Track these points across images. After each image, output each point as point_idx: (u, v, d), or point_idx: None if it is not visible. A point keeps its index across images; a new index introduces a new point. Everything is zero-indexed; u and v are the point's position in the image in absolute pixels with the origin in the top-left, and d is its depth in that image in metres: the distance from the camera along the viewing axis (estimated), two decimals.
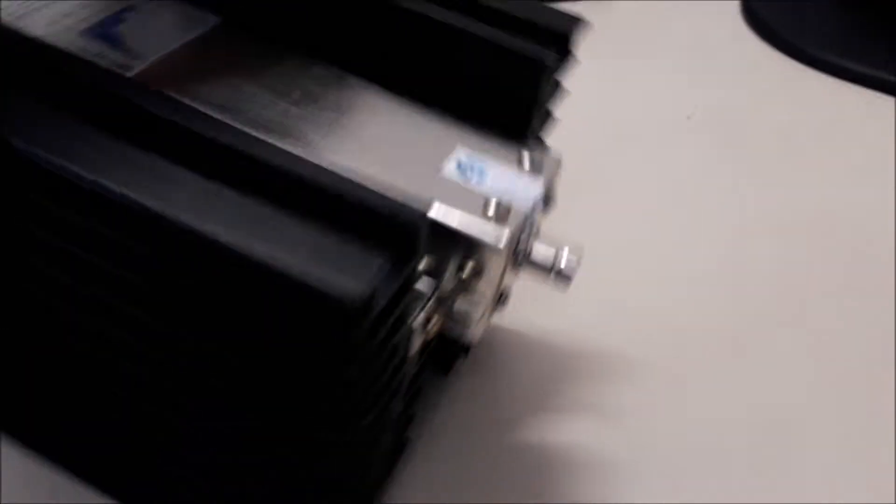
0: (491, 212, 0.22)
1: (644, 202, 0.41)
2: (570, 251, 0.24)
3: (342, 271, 0.17)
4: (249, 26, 0.26)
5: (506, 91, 0.24)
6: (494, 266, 0.22)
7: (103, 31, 0.24)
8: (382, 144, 0.23)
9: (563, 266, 0.24)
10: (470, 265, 0.22)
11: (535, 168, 0.23)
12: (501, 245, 0.21)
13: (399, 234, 0.18)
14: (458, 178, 0.22)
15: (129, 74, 0.23)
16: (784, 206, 0.42)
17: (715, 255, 0.39)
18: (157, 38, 0.24)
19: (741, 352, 0.34)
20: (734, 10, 0.59)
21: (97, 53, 0.23)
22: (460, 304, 0.23)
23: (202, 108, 0.20)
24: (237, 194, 0.18)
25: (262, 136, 0.19)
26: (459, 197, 0.22)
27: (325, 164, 0.19)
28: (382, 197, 0.18)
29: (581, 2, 0.50)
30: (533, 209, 0.22)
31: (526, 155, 0.24)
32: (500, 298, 0.25)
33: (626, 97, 0.48)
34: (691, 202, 0.41)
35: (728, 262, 0.38)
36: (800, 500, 0.29)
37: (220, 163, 0.19)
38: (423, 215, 0.18)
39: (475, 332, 0.24)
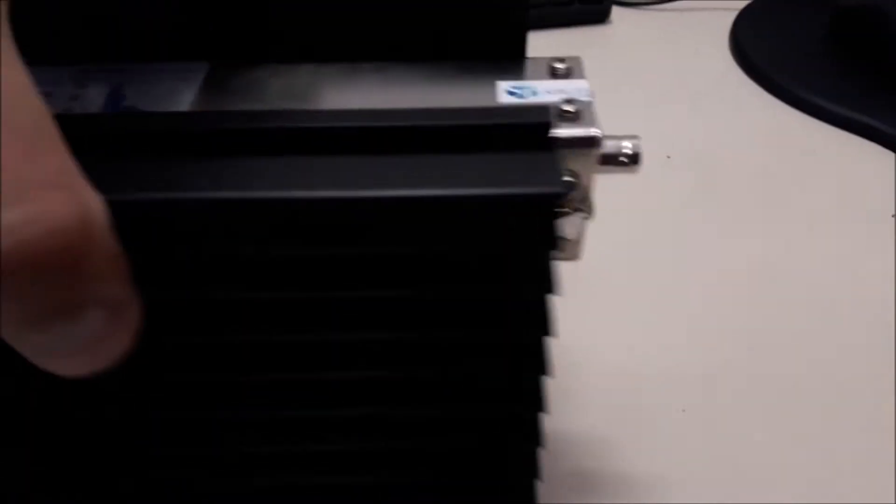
0: (565, 111, 0.23)
1: (617, 241, 0.42)
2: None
3: (531, 177, 0.18)
4: (237, 58, 0.26)
5: (497, 13, 0.26)
6: (590, 162, 0.23)
7: (115, 108, 0.24)
8: (428, 97, 0.24)
9: (631, 150, 0.25)
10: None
11: (569, 70, 0.25)
12: (600, 135, 0.22)
13: (534, 135, 0.19)
14: (516, 101, 0.24)
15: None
16: (762, 251, 0.43)
17: (689, 301, 0.40)
18: (169, 97, 0.24)
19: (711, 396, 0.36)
20: (723, 44, 0.60)
21: None
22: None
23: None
24: (388, 159, 0.19)
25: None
26: (525, 112, 0.23)
27: None
28: (502, 109, 0.19)
29: (574, 28, 0.49)
30: (593, 103, 0.24)
31: (554, 63, 0.25)
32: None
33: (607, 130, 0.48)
34: (667, 243, 0.42)
35: (702, 309, 0.39)
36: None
37: (345, 139, 0.19)
38: (547, 109, 0.20)
39: (583, 242, 0.25)
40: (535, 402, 0.24)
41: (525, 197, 0.18)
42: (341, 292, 0.21)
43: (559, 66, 0.25)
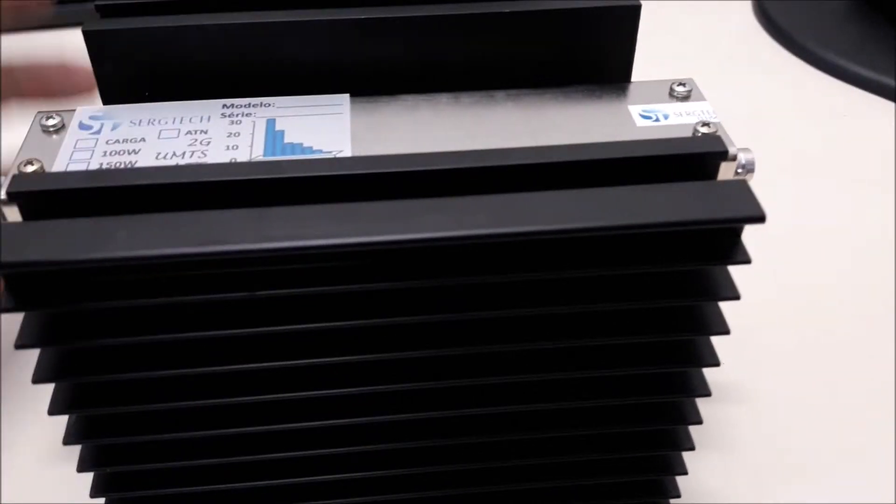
0: (702, 133, 0.25)
1: None
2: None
3: (728, 200, 0.20)
4: (372, 91, 0.27)
5: (609, 43, 0.28)
6: (727, 176, 0.25)
7: (276, 146, 0.25)
8: (566, 124, 0.26)
9: (745, 161, 0.27)
10: None
11: (689, 92, 0.27)
12: (737, 151, 0.24)
13: (702, 164, 0.21)
14: (653, 124, 0.25)
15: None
16: (793, 213, 0.44)
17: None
18: (326, 132, 0.25)
19: None
20: (747, 5, 0.60)
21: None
22: None
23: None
24: (567, 193, 0.21)
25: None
26: (668, 135, 0.25)
27: None
28: (674, 142, 0.22)
29: None
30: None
31: (674, 85, 0.27)
32: None
33: None
34: None
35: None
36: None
37: (544, 175, 0.21)
38: (720, 138, 0.22)
39: None
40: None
41: (736, 220, 0.20)
42: (558, 308, 0.23)
43: (679, 88, 0.27)
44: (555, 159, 0.22)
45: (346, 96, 0.26)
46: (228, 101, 0.26)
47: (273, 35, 0.26)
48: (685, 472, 0.29)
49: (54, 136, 0.25)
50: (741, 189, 0.21)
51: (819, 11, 0.57)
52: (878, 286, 0.41)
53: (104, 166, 0.24)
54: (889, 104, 0.51)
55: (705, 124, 0.25)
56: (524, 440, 0.27)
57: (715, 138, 0.23)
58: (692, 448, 0.28)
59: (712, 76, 0.52)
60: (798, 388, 0.36)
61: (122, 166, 0.24)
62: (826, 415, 0.35)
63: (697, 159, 0.22)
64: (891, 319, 0.39)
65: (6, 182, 0.22)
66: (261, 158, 0.24)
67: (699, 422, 0.27)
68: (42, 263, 0.19)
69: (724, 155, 0.22)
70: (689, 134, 0.25)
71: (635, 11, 0.27)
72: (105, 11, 0.27)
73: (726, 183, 0.22)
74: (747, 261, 0.21)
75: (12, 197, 0.21)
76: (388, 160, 0.22)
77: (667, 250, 0.22)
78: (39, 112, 0.26)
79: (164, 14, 0.26)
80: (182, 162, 0.24)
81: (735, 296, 0.22)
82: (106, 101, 0.27)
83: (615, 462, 0.28)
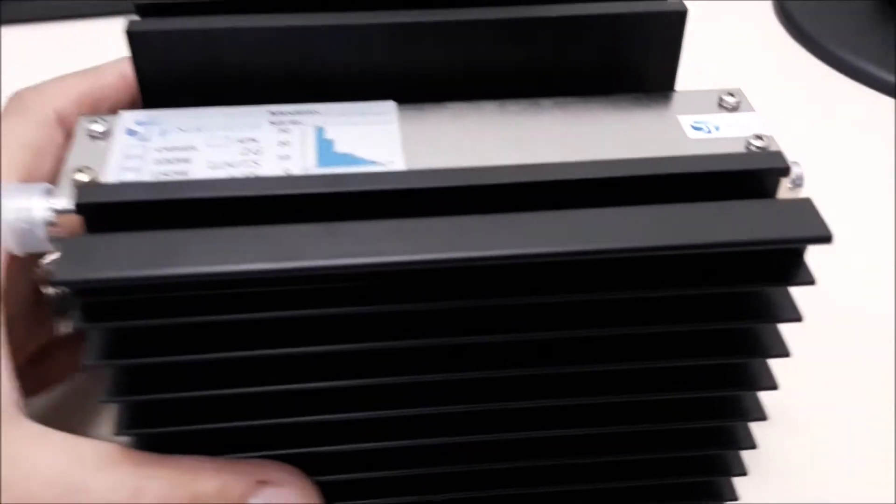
0: (756, 147, 0.25)
1: None
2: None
3: (794, 219, 0.20)
4: (415, 97, 0.27)
5: (654, 49, 0.27)
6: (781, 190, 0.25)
7: (328, 155, 0.24)
8: (618, 136, 0.26)
9: (795, 175, 0.27)
10: None
11: (738, 102, 0.27)
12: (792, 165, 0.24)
13: (763, 180, 0.22)
14: (705, 136, 0.25)
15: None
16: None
17: None
18: (376, 141, 0.25)
19: None
20: (768, 6, 0.59)
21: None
22: None
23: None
24: (638, 210, 0.21)
25: None
26: (719, 146, 0.25)
27: None
28: (735, 157, 0.22)
29: None
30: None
31: (723, 96, 0.27)
32: None
33: None
34: None
35: None
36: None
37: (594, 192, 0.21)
38: (782, 155, 0.22)
39: None
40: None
41: (803, 240, 0.21)
42: (617, 329, 0.23)
43: (729, 99, 0.27)
44: (620, 174, 0.22)
45: (392, 103, 0.26)
46: (275, 108, 0.26)
47: (317, 38, 0.26)
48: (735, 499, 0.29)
49: (101, 143, 0.25)
50: (807, 208, 0.21)
51: (841, 12, 0.57)
52: None
53: (158, 175, 0.23)
54: None
55: (759, 137, 0.25)
56: (574, 464, 0.27)
57: (776, 155, 0.23)
58: (743, 473, 0.28)
59: (733, 78, 0.53)
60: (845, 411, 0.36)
61: (176, 176, 0.23)
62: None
63: (760, 175, 0.22)
64: None
65: (67, 191, 0.22)
66: (314, 169, 0.24)
67: (753, 446, 0.27)
68: (116, 280, 0.18)
69: (785, 171, 0.23)
70: (742, 147, 0.25)
71: (681, 17, 0.27)
72: (145, 11, 0.27)
73: (791, 202, 0.22)
74: (811, 282, 0.22)
75: (81, 209, 0.20)
76: (449, 175, 0.22)
77: (729, 270, 0.22)
78: (83, 116, 0.25)
79: (203, 15, 0.26)
80: (235, 171, 0.24)
81: (797, 317, 0.22)
82: (147, 104, 0.27)
83: (662, 487, 0.28)
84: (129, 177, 0.23)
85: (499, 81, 0.27)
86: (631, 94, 0.27)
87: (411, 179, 0.22)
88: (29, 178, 0.26)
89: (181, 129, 0.25)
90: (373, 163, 0.24)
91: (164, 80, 0.26)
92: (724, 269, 0.22)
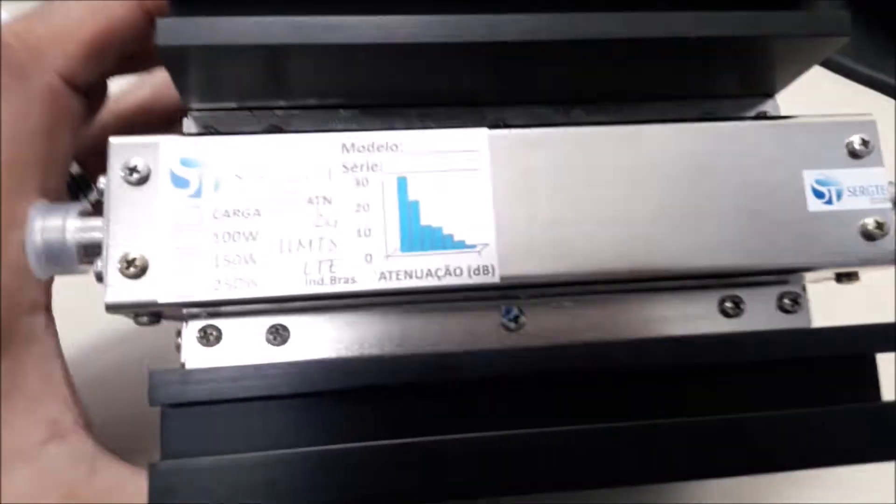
0: (870, 228, 0.23)
1: None
2: None
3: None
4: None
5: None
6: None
7: (413, 231, 0.22)
8: (736, 193, 0.23)
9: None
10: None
11: (866, 149, 0.23)
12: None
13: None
14: (824, 208, 0.23)
15: (494, 279, 0.21)
16: None
17: None
18: (468, 207, 0.22)
19: None
20: None
21: (437, 269, 0.21)
22: None
23: None
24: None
25: None
26: (835, 229, 0.23)
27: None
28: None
29: None
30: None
31: (853, 138, 0.23)
32: None
33: None
34: None
35: None
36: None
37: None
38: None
39: None
40: None
41: None
42: None
43: (858, 144, 0.23)
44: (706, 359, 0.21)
45: (485, 138, 0.22)
46: (348, 140, 0.22)
47: (404, 56, 0.21)
48: None
49: (141, 191, 0.21)
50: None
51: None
52: None
53: (219, 264, 0.21)
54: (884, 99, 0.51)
55: (879, 225, 0.23)
56: None
57: (887, 328, 0.21)
58: None
59: None
60: None
61: (242, 267, 0.21)
62: None
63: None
64: None
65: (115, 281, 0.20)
66: (397, 256, 0.21)
67: None
68: None
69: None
70: (855, 234, 0.23)
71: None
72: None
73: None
74: None
75: (164, 408, 0.19)
76: (564, 352, 0.20)
77: None
78: (114, 141, 0.21)
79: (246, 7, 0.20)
80: (310, 256, 0.21)
81: None
82: (184, 102, 0.22)
83: None
84: (186, 263, 0.21)
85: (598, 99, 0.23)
86: (747, 122, 0.24)
87: (524, 359, 0.20)
88: (47, 173, 0.23)
89: (238, 177, 0.21)
90: (461, 244, 0.22)
91: (209, 83, 0.22)
92: None
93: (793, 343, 0.21)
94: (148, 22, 0.23)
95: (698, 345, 0.21)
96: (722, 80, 0.25)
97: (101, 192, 0.21)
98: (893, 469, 0.34)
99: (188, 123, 0.23)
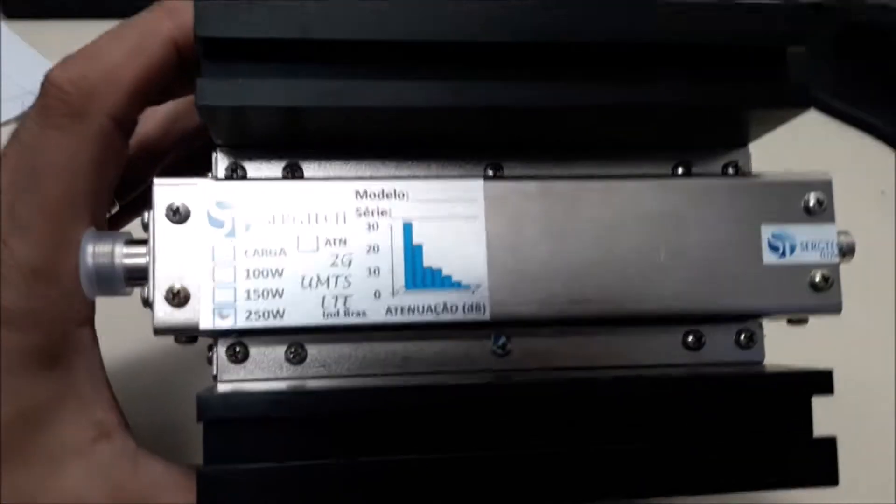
0: (817, 280, 0.26)
1: None
2: None
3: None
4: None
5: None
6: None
7: (416, 271, 0.25)
8: (693, 251, 0.26)
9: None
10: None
11: (821, 208, 0.26)
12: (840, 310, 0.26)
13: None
14: (778, 261, 0.26)
15: (485, 317, 0.25)
16: None
17: None
18: (465, 252, 0.25)
19: None
20: None
21: (436, 306, 0.25)
22: None
23: None
24: None
25: None
26: (786, 280, 0.26)
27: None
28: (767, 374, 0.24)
29: None
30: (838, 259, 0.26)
31: (809, 195, 0.26)
32: None
33: None
34: None
35: None
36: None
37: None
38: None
39: None
40: None
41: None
42: None
43: (814, 203, 0.26)
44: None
45: (481, 189, 0.25)
46: (361, 187, 0.25)
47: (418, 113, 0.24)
48: None
49: (182, 229, 0.24)
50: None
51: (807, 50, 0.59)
52: None
53: (250, 297, 0.24)
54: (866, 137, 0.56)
55: (825, 278, 0.26)
56: None
57: (817, 374, 0.25)
58: None
59: None
60: None
61: (271, 302, 0.24)
62: None
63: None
64: None
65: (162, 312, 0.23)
66: (403, 294, 0.25)
67: None
68: None
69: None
70: (805, 286, 0.26)
71: None
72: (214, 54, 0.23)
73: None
74: None
75: (207, 423, 0.22)
76: (542, 386, 0.23)
77: None
78: (158, 182, 0.24)
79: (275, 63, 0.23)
80: (328, 292, 0.24)
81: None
82: (215, 139, 0.25)
83: None
84: (222, 296, 0.24)
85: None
86: (717, 178, 0.27)
87: (504, 389, 0.23)
88: (97, 203, 0.26)
89: (267, 221, 0.24)
90: (458, 285, 0.25)
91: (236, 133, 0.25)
92: None
93: (742, 385, 0.25)
94: (179, 57, 0.26)
95: (658, 382, 0.24)
96: (694, 134, 0.27)
97: (145, 226, 0.24)
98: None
99: (218, 158, 0.26)
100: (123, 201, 0.32)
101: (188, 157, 0.32)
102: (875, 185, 0.52)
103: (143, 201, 0.30)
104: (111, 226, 0.29)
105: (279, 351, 0.25)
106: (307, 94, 0.23)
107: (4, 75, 0.44)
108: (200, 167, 0.30)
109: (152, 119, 0.30)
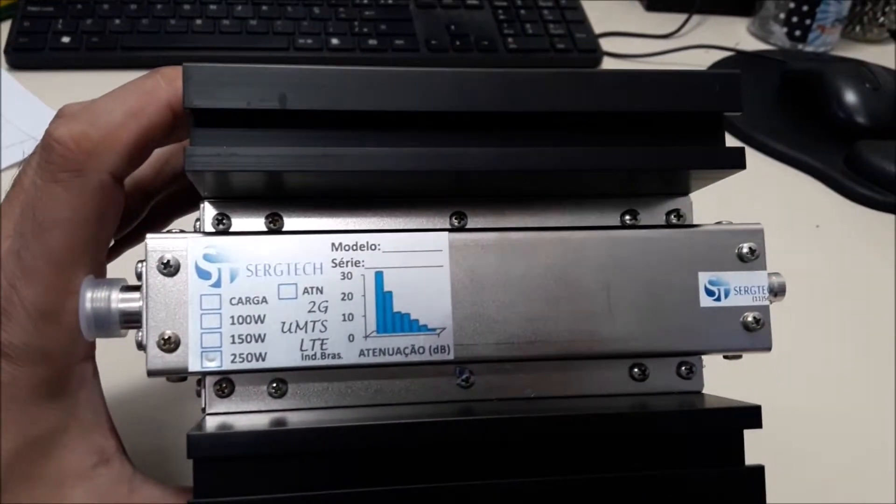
0: (749, 321, 0.29)
1: None
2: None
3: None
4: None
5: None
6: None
7: (387, 317, 0.27)
8: (638, 296, 0.29)
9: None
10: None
11: (753, 256, 0.29)
12: (770, 348, 0.29)
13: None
14: (713, 304, 0.29)
15: (450, 357, 0.27)
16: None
17: None
18: (431, 298, 0.28)
19: None
20: None
21: (405, 348, 0.27)
22: None
23: None
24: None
25: None
26: (721, 322, 0.29)
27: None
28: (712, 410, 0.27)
29: None
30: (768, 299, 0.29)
31: (742, 245, 0.29)
32: None
33: None
34: None
35: None
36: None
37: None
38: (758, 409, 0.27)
39: None
40: None
41: None
42: None
43: (747, 252, 0.29)
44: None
45: (446, 241, 0.28)
46: (336, 240, 0.27)
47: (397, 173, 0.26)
48: None
49: (173, 280, 0.27)
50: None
51: (751, 100, 0.71)
52: None
53: (235, 341, 0.26)
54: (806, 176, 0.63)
55: (757, 320, 0.29)
56: None
57: (747, 410, 0.27)
58: None
59: None
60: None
61: (254, 346, 0.26)
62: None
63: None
64: None
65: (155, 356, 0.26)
66: (374, 337, 0.27)
67: None
68: None
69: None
70: (738, 326, 0.29)
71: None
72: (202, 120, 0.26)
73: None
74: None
75: (197, 460, 0.25)
76: (500, 424, 0.26)
77: None
78: (150, 237, 0.27)
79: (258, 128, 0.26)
80: (306, 336, 0.27)
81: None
82: (202, 193, 0.28)
83: None
84: (208, 340, 0.26)
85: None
86: (658, 230, 0.29)
87: (478, 426, 0.26)
88: (96, 252, 0.28)
89: (250, 272, 0.27)
90: (424, 328, 0.27)
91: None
92: None
93: (680, 421, 0.27)
94: (174, 118, 0.28)
95: (601, 419, 0.27)
96: (641, 186, 0.30)
97: (138, 275, 0.27)
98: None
99: (205, 209, 0.28)
100: (118, 236, 0.34)
101: (177, 193, 0.34)
102: (811, 220, 0.55)
103: (137, 234, 0.33)
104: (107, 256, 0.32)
105: (262, 387, 0.28)
106: (286, 160, 0.25)
107: (5, 121, 0.46)
108: (188, 203, 0.33)
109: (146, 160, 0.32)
